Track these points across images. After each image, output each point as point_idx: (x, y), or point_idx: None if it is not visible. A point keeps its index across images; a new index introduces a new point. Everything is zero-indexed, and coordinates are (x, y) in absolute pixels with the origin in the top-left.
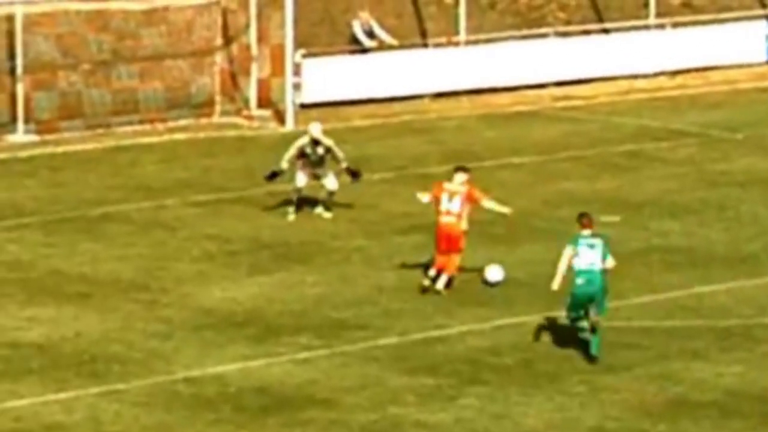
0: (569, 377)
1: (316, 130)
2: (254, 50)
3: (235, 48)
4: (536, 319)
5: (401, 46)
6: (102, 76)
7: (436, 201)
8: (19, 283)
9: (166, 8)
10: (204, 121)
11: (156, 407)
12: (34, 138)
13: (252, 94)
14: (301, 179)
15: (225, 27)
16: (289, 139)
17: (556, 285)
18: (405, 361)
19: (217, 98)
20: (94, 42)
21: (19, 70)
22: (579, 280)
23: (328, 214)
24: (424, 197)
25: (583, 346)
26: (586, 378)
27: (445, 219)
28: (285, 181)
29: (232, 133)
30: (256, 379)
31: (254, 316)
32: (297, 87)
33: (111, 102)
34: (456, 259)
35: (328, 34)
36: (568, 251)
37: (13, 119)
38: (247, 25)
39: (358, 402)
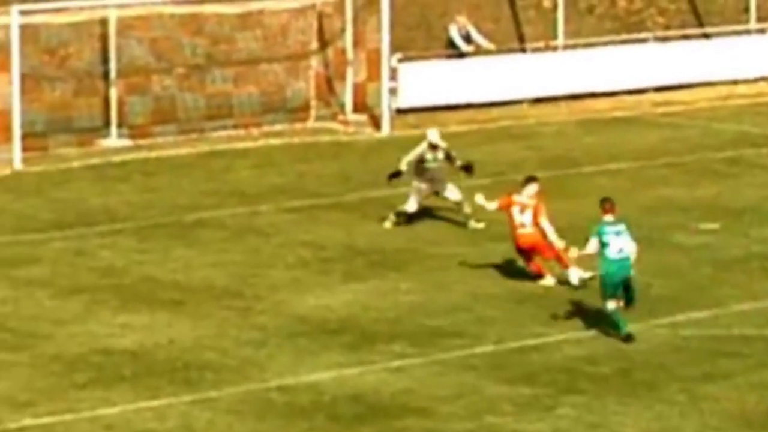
0: (668, 386)
1: (434, 135)
2: (350, 54)
3: (330, 52)
4: (634, 327)
5: (498, 51)
6: (196, 80)
7: (508, 214)
8: (113, 290)
9: (261, 12)
10: (299, 126)
11: (249, 415)
12: (127, 143)
13: (348, 98)
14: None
15: (320, 31)
16: (384, 144)
17: (575, 254)
18: (501, 369)
19: (313, 103)
20: (188, 46)
21: (112, 74)
22: (612, 268)
23: (480, 225)
24: (491, 204)
25: (680, 353)
26: (686, 387)
27: (521, 231)
28: (379, 187)
29: (327, 138)
30: (351, 387)
31: (349, 324)
32: (393, 92)
33: (205, 106)
34: (562, 256)
35: (424, 38)
36: (593, 244)
37: (107, 124)
38: (343, 29)
39: (454, 411)
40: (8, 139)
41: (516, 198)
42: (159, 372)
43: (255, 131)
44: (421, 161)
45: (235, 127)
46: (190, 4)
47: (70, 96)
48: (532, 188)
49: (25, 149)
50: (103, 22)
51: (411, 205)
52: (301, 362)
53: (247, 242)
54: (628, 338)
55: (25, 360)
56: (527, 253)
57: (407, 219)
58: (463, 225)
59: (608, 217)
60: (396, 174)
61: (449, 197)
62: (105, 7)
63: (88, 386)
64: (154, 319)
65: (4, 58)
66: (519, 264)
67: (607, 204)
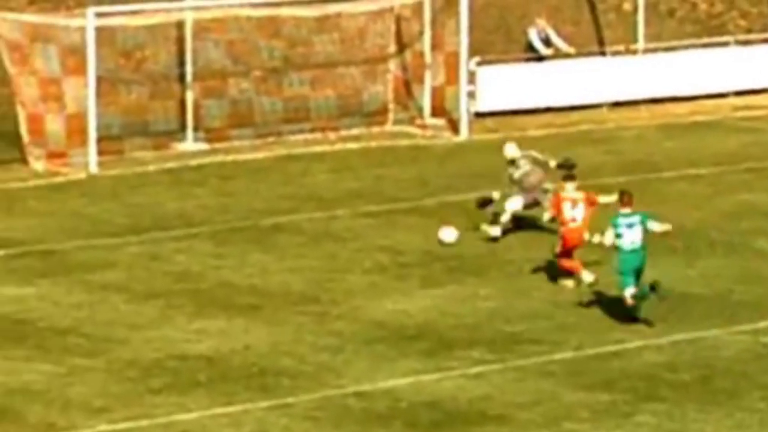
0: (749, 393)
1: (510, 150)
2: (428, 58)
3: (408, 55)
4: (715, 334)
5: (578, 54)
6: (273, 83)
7: (558, 212)
8: (188, 295)
9: (338, 15)
10: (376, 129)
11: (326, 422)
12: (203, 146)
13: (426, 102)
14: (517, 203)
15: (398, 34)
16: (463, 148)
17: (597, 240)
18: (580, 376)
19: (390, 106)
20: (265, 49)
21: (188, 77)
22: (624, 257)
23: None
24: (546, 216)
25: (761, 360)
26: (767, 394)
27: (572, 225)
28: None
29: (405, 142)
30: (428, 393)
31: (426, 330)
32: (471, 95)
33: (282, 110)
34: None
35: (503, 41)
36: (610, 235)
37: (183, 127)
38: (421, 32)
39: (532, 418)
40: (84, 142)
41: (564, 194)
42: (235, 378)
43: (332, 135)
44: (510, 179)
45: (312, 130)
46: (267, 7)
47: (146, 99)
48: (572, 186)
49: (100, 153)
50: (180, 25)
51: (506, 215)
52: (378, 368)
53: (324, 247)
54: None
55: (100, 365)
56: (572, 250)
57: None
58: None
59: (625, 210)
60: (486, 202)
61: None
62: (181, 9)
63: (164, 392)
64: (230, 325)
65: (80, 60)
66: (601, 271)
67: (625, 197)
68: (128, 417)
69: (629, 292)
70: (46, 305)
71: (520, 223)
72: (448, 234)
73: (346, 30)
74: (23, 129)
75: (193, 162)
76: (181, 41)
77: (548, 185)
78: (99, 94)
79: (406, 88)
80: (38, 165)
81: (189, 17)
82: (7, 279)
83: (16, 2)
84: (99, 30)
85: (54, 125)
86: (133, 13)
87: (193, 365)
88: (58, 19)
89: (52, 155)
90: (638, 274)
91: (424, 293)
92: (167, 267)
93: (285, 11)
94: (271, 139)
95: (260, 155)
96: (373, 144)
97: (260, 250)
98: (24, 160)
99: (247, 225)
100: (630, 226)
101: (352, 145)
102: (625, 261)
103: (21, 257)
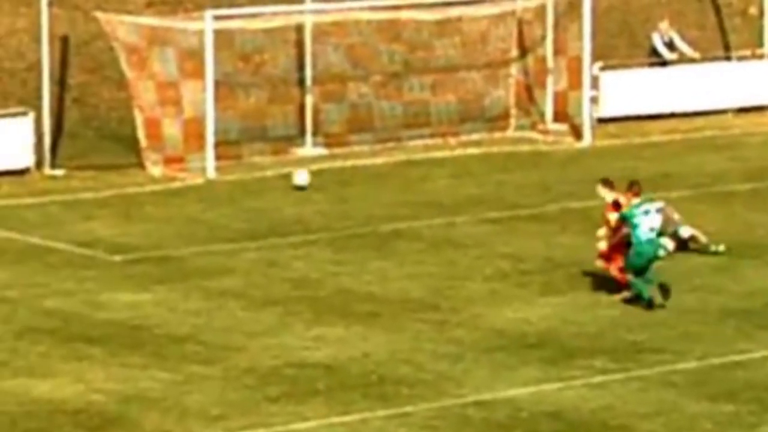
0: None
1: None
2: (550, 62)
3: (530, 60)
4: None
5: (703, 59)
6: (393, 88)
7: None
8: (307, 302)
9: (459, 18)
10: (498, 135)
11: (445, 431)
12: (322, 151)
13: (548, 107)
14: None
15: (520, 38)
16: (585, 154)
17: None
18: (703, 386)
19: (512, 111)
20: (385, 53)
21: (308, 81)
22: (644, 248)
23: (721, 247)
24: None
25: None
26: None
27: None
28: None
29: (526, 147)
30: (549, 403)
31: (547, 338)
32: (594, 100)
33: (402, 115)
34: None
35: (626, 45)
36: (625, 231)
37: (302, 132)
38: (544, 37)
39: (654, 429)
40: (201, 147)
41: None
42: (353, 386)
43: (453, 140)
44: None
45: (432, 136)
46: (387, 10)
47: (264, 104)
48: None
49: (218, 158)
50: (299, 28)
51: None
52: (499, 377)
53: (444, 254)
54: (651, 305)
55: (217, 373)
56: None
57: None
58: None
59: (636, 200)
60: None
61: (684, 236)
62: (301, 12)
63: (281, 400)
64: (348, 332)
65: (198, 64)
66: (724, 279)
67: (635, 187)
68: (245, 425)
69: (650, 292)
70: (163, 312)
71: None
72: (302, 176)
73: (468, 34)
74: (140, 133)
75: (312, 167)
76: (300, 45)
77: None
78: (217, 98)
79: (528, 93)
80: (155, 170)
81: (308, 20)
82: (124, 285)
83: (133, 5)
84: (217, 33)
85: (171, 129)
86: (252, 16)
87: (311, 373)
88: (176, 22)
89: (169, 160)
90: (650, 265)
91: (545, 301)
92: (285, 273)
93: (405, 14)
94: (390, 144)
95: (379, 161)
96: (494, 149)
97: (379, 256)
98: (141, 165)
99: (366, 231)
100: (646, 212)
101: (473, 151)
102: (642, 252)
103: (138, 263)
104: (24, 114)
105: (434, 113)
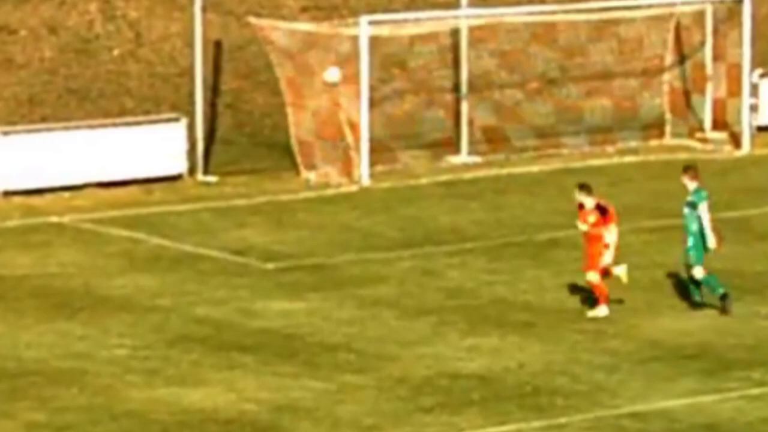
0: None
1: None
2: (709, 69)
3: (688, 66)
4: None
5: None
6: (548, 93)
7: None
8: (461, 311)
9: (617, 23)
10: (654, 142)
11: None
12: (477, 159)
13: (706, 115)
14: None
15: (678, 44)
16: (744, 163)
17: (712, 243)
18: None
19: (668, 118)
20: (540, 58)
21: (463, 87)
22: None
23: None
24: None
25: None
26: None
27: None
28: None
29: (683, 155)
30: (706, 415)
31: (704, 349)
32: (754, 108)
33: (557, 121)
34: None
35: None
36: (705, 207)
37: (457, 139)
38: (702, 43)
39: None
40: (356, 153)
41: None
42: (508, 397)
43: (609, 148)
44: None
45: (588, 143)
46: (543, 15)
47: (418, 109)
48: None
49: (372, 164)
50: (454, 33)
51: None
52: (654, 388)
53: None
54: (725, 297)
55: (370, 383)
56: None
57: None
58: None
59: (695, 184)
60: None
61: None
62: (456, 17)
63: (435, 410)
64: (503, 342)
65: (353, 70)
66: None
67: (691, 171)
68: None
69: (701, 272)
70: (316, 320)
71: None
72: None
73: (624, 39)
74: (302, 137)
75: (467, 175)
76: (455, 50)
77: None
78: (371, 104)
79: (685, 100)
80: (310, 176)
81: (463, 25)
82: (277, 293)
83: (288, 10)
84: (372, 39)
85: (328, 134)
86: (406, 21)
87: (465, 383)
88: (331, 28)
89: (333, 163)
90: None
91: (702, 312)
92: (440, 282)
93: (561, 19)
94: (547, 151)
95: (535, 168)
96: (651, 157)
97: (535, 265)
98: (295, 171)
99: (521, 240)
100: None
101: (630, 158)
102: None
103: (291, 271)
104: (176, 120)
105: (589, 120)
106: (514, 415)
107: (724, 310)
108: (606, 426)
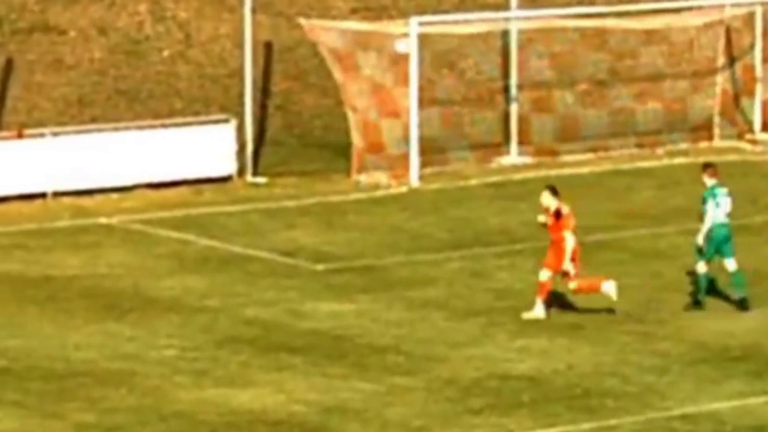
0: None
1: None
2: (759, 71)
3: (738, 68)
4: None
5: None
6: (598, 96)
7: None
8: (510, 312)
9: (668, 27)
10: (703, 144)
11: None
12: (527, 160)
13: (756, 116)
14: None
15: (728, 46)
16: None
17: (700, 240)
18: None
19: (716, 121)
20: (591, 61)
21: (512, 89)
22: (720, 229)
23: None
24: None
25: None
26: None
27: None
28: None
29: (733, 157)
30: (754, 417)
31: (752, 351)
32: None
33: (607, 124)
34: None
35: None
36: (712, 206)
37: (506, 140)
38: (752, 45)
39: None
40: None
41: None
42: (557, 398)
43: (658, 150)
44: None
45: (638, 145)
46: (593, 18)
47: (468, 111)
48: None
49: (422, 165)
50: (504, 35)
51: None
52: (703, 390)
53: (650, 265)
54: (698, 304)
55: (420, 384)
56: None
57: None
58: None
59: (712, 181)
60: None
61: None
62: (507, 19)
63: (484, 412)
64: (552, 344)
65: (403, 70)
66: None
67: (710, 169)
68: None
69: (703, 269)
70: (365, 322)
71: None
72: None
73: (675, 42)
74: (355, 138)
75: (517, 176)
76: (504, 52)
77: None
78: (421, 105)
79: (735, 103)
80: (362, 177)
81: (513, 27)
82: (326, 294)
83: (337, 11)
84: (422, 39)
85: (379, 135)
86: (457, 22)
87: (514, 385)
88: (381, 27)
89: (387, 162)
90: (730, 245)
91: (751, 314)
92: (489, 284)
93: (611, 23)
94: (597, 153)
95: (585, 170)
96: (701, 159)
97: (583, 267)
98: (346, 172)
99: None
100: (727, 195)
101: (679, 160)
102: (714, 236)
103: (340, 272)
104: (226, 121)
105: (640, 122)
106: (564, 417)
107: (689, 307)
108: (656, 428)
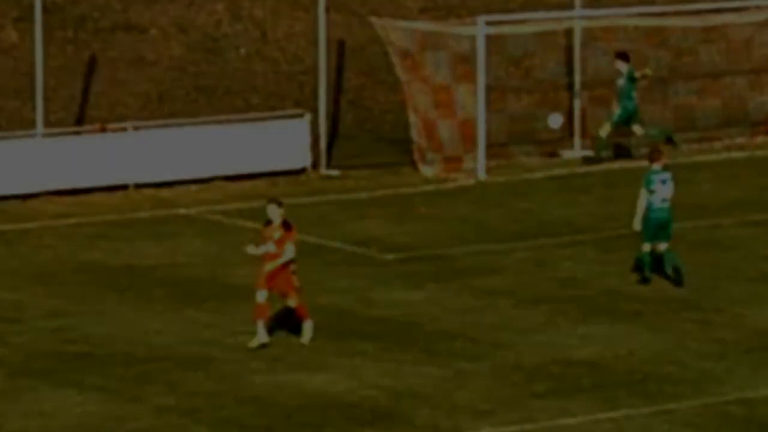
0: None
1: None
2: None
3: None
4: None
5: None
6: (659, 92)
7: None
8: (574, 300)
9: (725, 25)
10: (760, 139)
11: (707, 428)
12: (590, 154)
13: None
14: None
15: None
16: None
17: (637, 225)
18: None
19: None
20: (652, 58)
21: (576, 85)
22: (654, 214)
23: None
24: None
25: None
26: None
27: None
28: None
29: None
30: None
31: None
32: None
33: (669, 119)
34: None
35: None
36: (644, 192)
37: (570, 135)
38: None
39: None
40: (472, 149)
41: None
42: (617, 383)
43: (717, 144)
44: None
45: (698, 140)
46: (655, 17)
47: (533, 107)
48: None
49: (488, 159)
50: (568, 33)
51: None
52: (760, 376)
53: (708, 255)
54: (645, 281)
55: (486, 369)
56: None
57: None
58: None
59: (656, 166)
60: None
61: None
62: (571, 18)
63: (548, 396)
64: (613, 331)
65: (470, 68)
66: None
67: (655, 153)
68: (512, 421)
69: (646, 248)
70: (434, 309)
71: None
72: (555, 120)
73: (733, 40)
74: (415, 135)
75: (580, 170)
76: (569, 49)
77: None
78: (488, 101)
79: None
80: (428, 171)
81: (577, 26)
82: (397, 283)
83: (407, 10)
84: (489, 38)
85: (445, 132)
86: (523, 21)
87: (576, 370)
88: (449, 27)
89: (442, 161)
90: (666, 230)
91: None
92: (553, 273)
93: (672, 21)
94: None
95: (644, 163)
96: (758, 153)
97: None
98: (414, 166)
99: (632, 232)
100: (663, 182)
101: (737, 154)
102: (651, 219)
103: (410, 262)
104: (300, 116)
105: (700, 118)
106: (624, 401)
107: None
108: (713, 413)
